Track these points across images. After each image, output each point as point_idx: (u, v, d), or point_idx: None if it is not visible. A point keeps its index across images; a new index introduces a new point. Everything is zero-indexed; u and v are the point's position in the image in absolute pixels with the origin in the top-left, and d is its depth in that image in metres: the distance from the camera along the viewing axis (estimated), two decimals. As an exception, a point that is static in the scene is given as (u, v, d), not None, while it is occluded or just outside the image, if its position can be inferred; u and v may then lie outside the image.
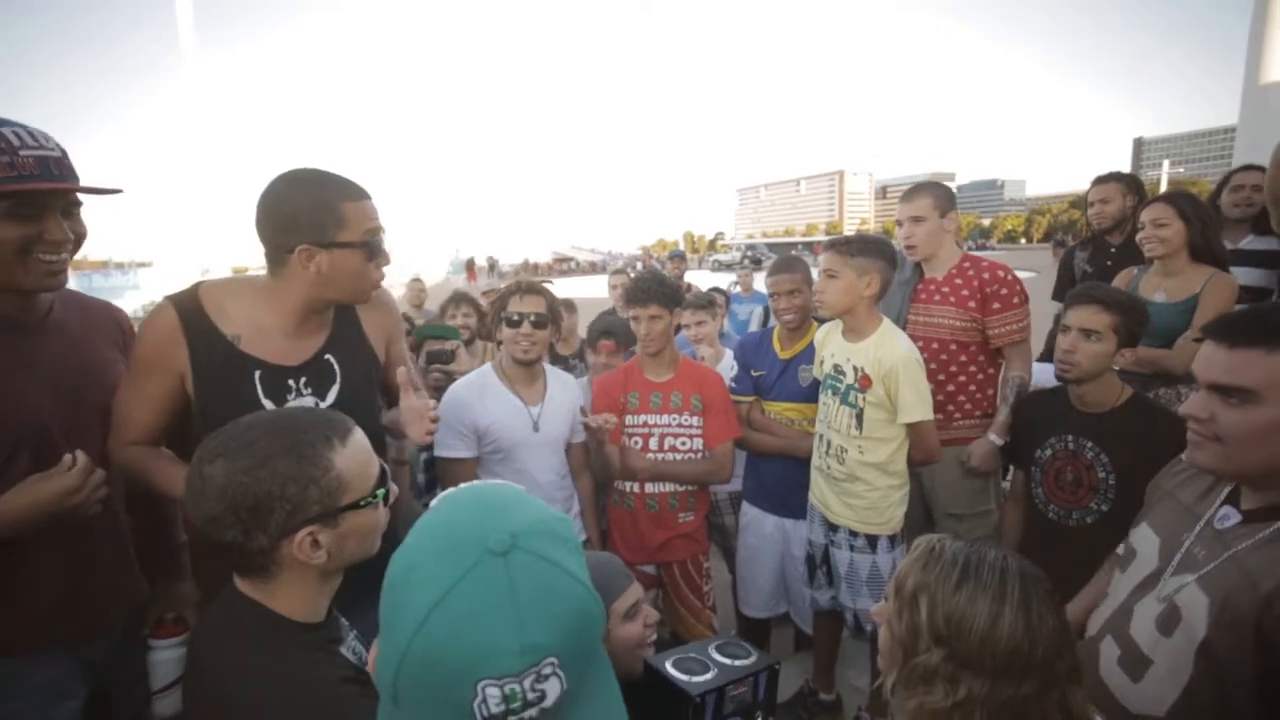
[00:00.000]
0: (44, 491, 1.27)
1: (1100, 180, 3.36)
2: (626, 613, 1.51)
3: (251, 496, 0.95)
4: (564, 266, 66.73)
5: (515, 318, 2.30)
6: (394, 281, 6.49)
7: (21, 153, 1.25)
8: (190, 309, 1.48)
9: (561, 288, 3.45)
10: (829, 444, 2.33)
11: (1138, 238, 2.73)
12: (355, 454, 1.04)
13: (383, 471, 1.10)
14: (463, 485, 0.77)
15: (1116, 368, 2.04)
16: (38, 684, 1.38)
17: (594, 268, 62.79)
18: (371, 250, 1.52)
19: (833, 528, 2.35)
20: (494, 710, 0.57)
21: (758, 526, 2.75)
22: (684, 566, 2.55)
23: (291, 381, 1.56)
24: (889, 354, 2.17)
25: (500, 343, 2.40)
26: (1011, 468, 2.53)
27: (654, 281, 2.49)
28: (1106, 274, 3.08)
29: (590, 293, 11.11)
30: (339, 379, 1.63)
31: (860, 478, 2.25)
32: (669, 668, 1.52)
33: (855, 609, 2.31)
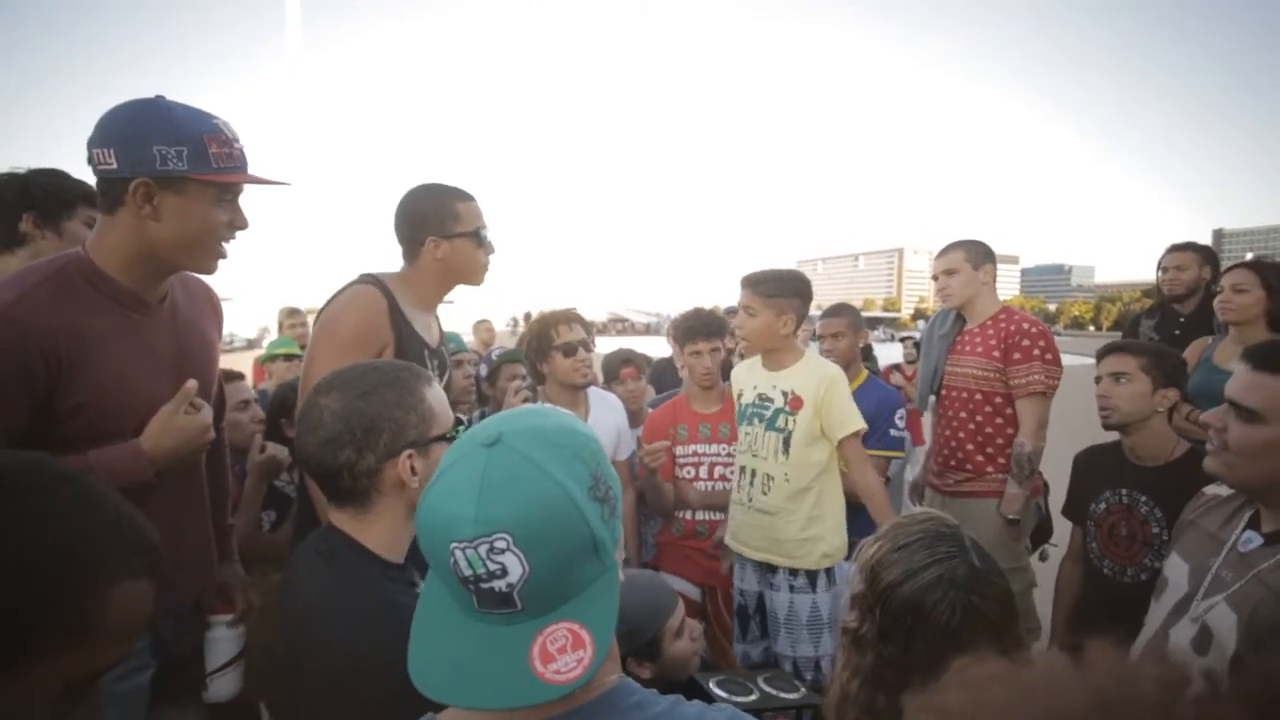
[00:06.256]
0: (193, 426, 1.35)
1: (1176, 248, 3.30)
2: (677, 630, 1.59)
3: (366, 418, 1.09)
4: (619, 326, 68.05)
5: (569, 347, 2.41)
6: (465, 326, 7.01)
7: (236, 145, 1.35)
8: (387, 291, 1.76)
9: (619, 345, 3.71)
10: (753, 474, 2.28)
11: (1215, 302, 2.70)
12: (439, 395, 1.20)
13: (457, 419, 1.24)
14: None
15: (1161, 410, 2.00)
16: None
17: (648, 329, 63.74)
18: (480, 238, 1.89)
19: (770, 570, 2.26)
20: (464, 573, 0.66)
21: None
22: (728, 594, 2.56)
23: (431, 360, 1.84)
24: (821, 373, 2.21)
25: (543, 377, 2.51)
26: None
27: (712, 317, 2.66)
28: (1175, 344, 3.01)
29: (646, 351, 11.30)
30: (449, 368, 1.96)
31: (785, 508, 2.20)
32: (712, 685, 1.55)
33: (795, 657, 2.19)
